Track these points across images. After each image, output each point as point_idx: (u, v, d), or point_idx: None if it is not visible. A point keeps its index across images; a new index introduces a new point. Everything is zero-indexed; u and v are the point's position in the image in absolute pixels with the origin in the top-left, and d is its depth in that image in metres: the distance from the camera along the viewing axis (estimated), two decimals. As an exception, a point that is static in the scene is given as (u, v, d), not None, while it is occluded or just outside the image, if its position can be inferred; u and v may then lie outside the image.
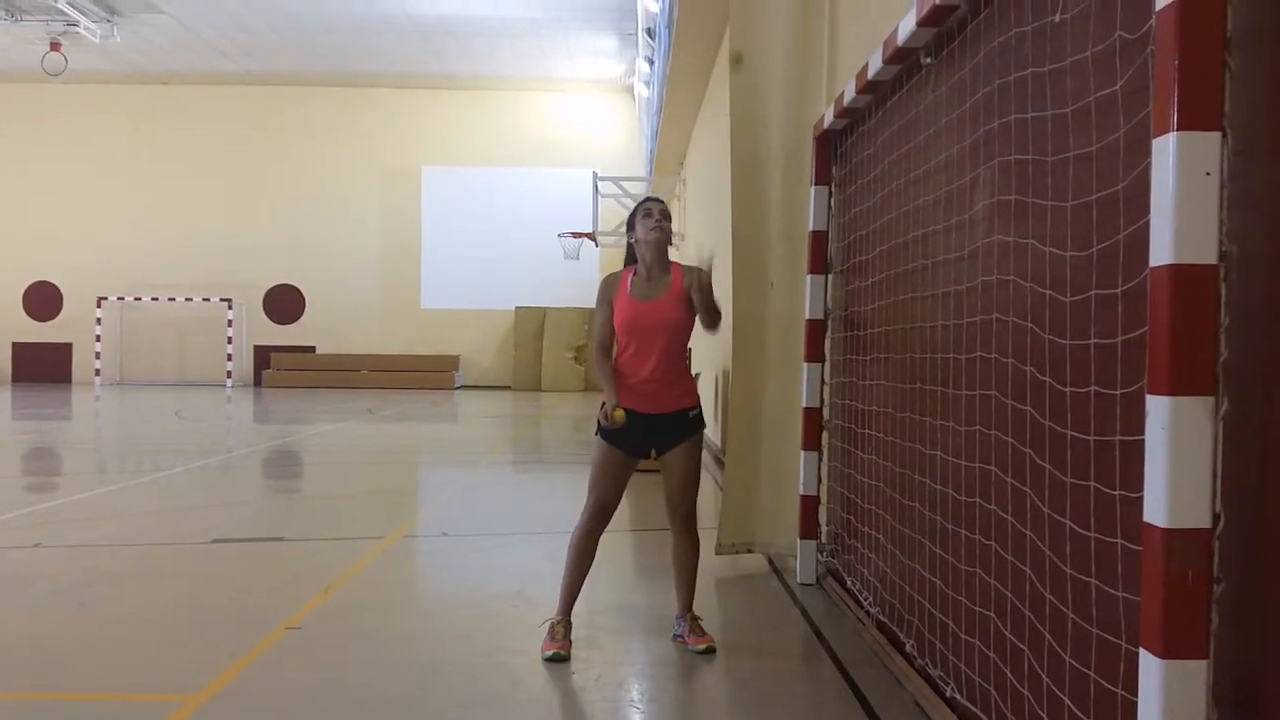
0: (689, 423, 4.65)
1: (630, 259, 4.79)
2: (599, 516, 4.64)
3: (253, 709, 3.90)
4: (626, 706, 4.06)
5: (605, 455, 4.61)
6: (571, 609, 4.66)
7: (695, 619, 4.72)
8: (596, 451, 4.65)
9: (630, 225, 4.77)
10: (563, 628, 4.58)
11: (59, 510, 8.42)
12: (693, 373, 15.03)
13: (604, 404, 4.51)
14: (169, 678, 4.24)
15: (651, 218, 4.67)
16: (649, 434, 4.59)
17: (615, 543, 7.07)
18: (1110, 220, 2.52)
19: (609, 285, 4.72)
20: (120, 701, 4.00)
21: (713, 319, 4.61)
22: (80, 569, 6.18)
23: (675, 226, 22.66)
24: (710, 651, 4.58)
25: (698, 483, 4.73)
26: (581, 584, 4.69)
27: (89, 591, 5.67)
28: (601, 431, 4.60)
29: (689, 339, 4.74)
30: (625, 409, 4.51)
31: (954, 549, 3.68)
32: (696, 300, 4.54)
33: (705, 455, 12.19)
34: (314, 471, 11.79)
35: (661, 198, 5.03)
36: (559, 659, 4.43)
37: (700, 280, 4.56)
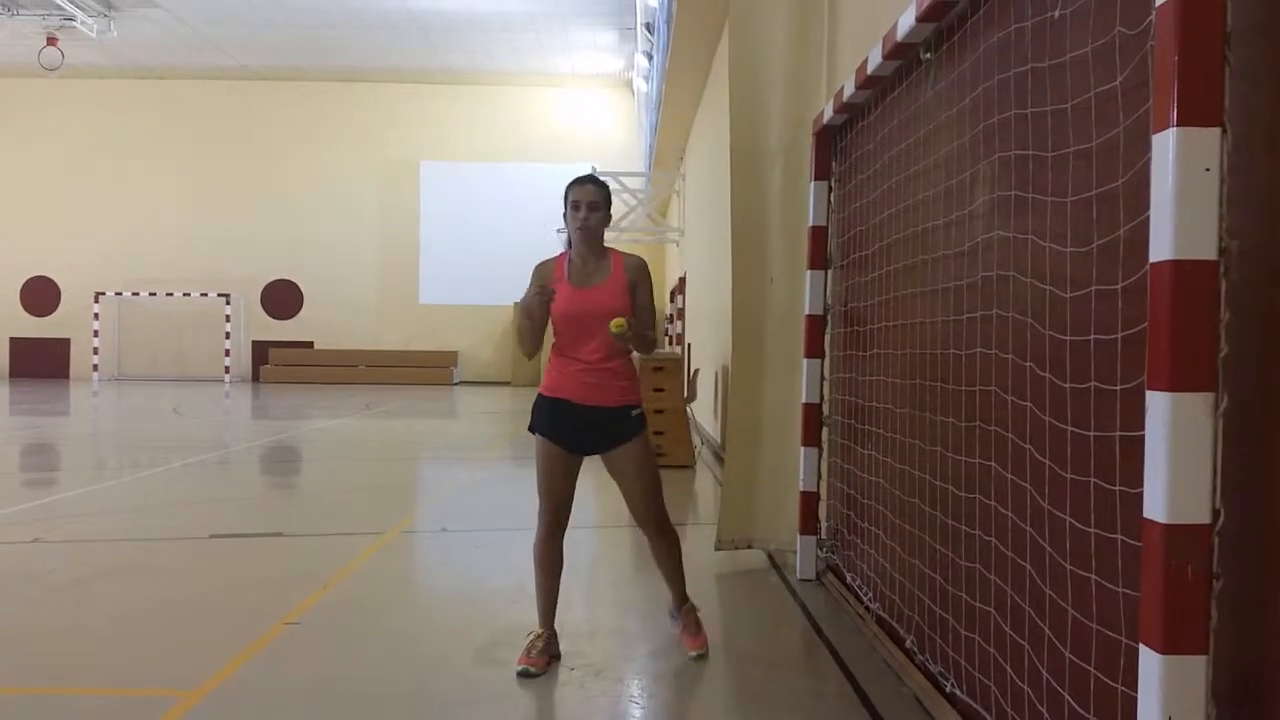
0: (631, 422, 4.38)
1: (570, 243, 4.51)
2: (554, 520, 4.41)
3: (251, 705, 3.90)
4: (625, 702, 4.06)
5: (545, 453, 4.38)
6: (553, 619, 4.48)
7: (692, 612, 4.61)
8: (537, 451, 4.40)
9: (565, 207, 4.45)
10: (541, 641, 4.36)
11: (57, 505, 8.41)
12: (693, 369, 15.01)
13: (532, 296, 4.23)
14: (167, 673, 4.24)
15: (579, 211, 4.35)
16: (586, 429, 4.34)
17: (614, 538, 7.09)
18: (1110, 216, 2.52)
19: (542, 274, 4.42)
20: (118, 696, 4.00)
21: (649, 348, 4.42)
22: (78, 564, 6.18)
23: (674, 222, 22.74)
24: (702, 658, 4.45)
25: (658, 486, 4.48)
26: (556, 591, 4.48)
27: (87, 587, 5.67)
28: (533, 426, 4.41)
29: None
30: (560, 399, 4.33)
31: (954, 545, 3.68)
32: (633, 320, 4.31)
33: (705, 452, 12.23)
34: (312, 467, 11.79)
35: (594, 173, 4.66)
36: (527, 675, 4.20)
37: (641, 294, 4.38)
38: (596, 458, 4.46)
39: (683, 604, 4.64)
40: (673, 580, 4.62)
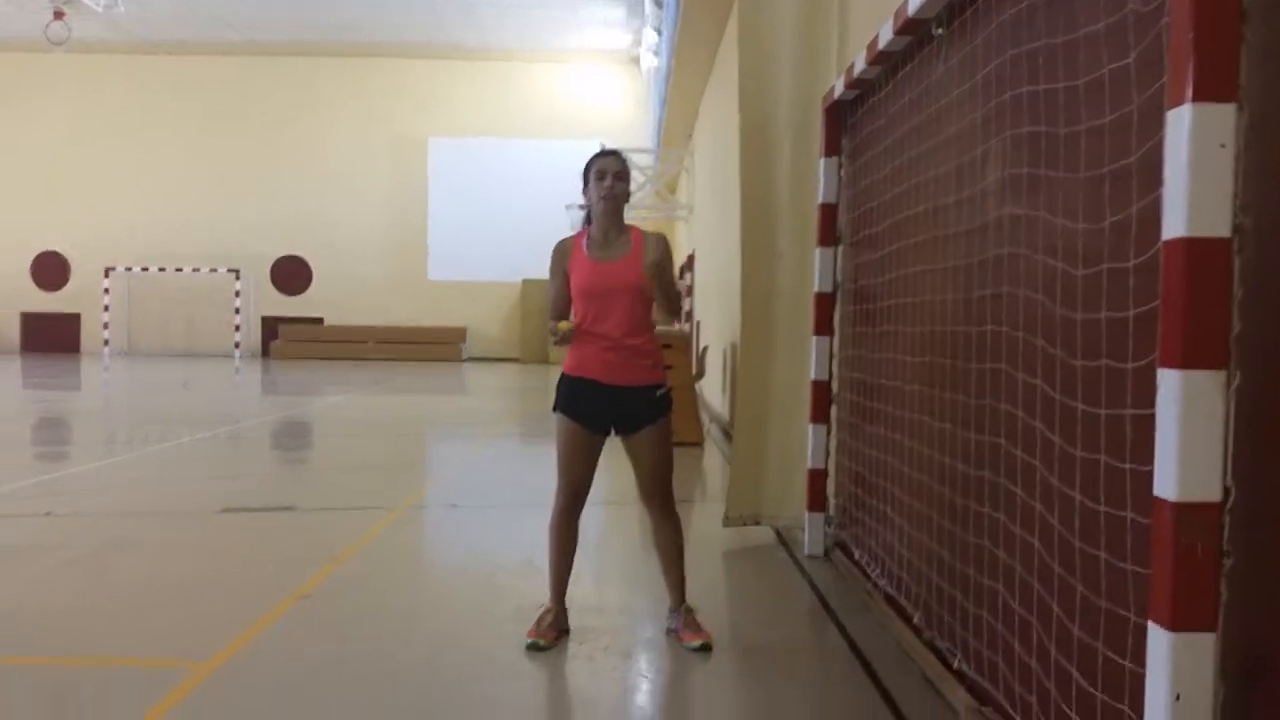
0: (655, 402, 4.30)
1: (590, 220, 4.43)
2: (572, 499, 4.38)
3: (262, 677, 3.93)
4: (634, 677, 4.08)
5: (567, 432, 4.33)
6: (564, 595, 4.46)
7: (690, 611, 4.42)
8: (558, 430, 4.36)
9: (585, 183, 4.37)
10: (551, 615, 4.38)
11: (69, 480, 8.46)
12: (702, 345, 14.98)
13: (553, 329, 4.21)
14: (179, 645, 4.27)
15: (604, 181, 4.28)
16: (610, 408, 4.28)
17: (622, 515, 7.10)
18: (1123, 193, 2.51)
19: (562, 253, 4.37)
20: (131, 668, 4.03)
21: (672, 305, 4.29)
22: (90, 538, 6.22)
23: (683, 199, 22.67)
24: (706, 649, 4.25)
25: (671, 466, 4.41)
26: (569, 569, 4.45)
27: (99, 560, 5.70)
28: (558, 405, 4.34)
29: (651, 306, 4.36)
30: (584, 378, 4.27)
31: (963, 522, 3.69)
32: (655, 285, 4.23)
33: (713, 428, 12.24)
34: (322, 442, 11.83)
35: (618, 149, 4.59)
36: (536, 648, 4.22)
37: (659, 260, 4.24)
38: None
39: (681, 603, 4.45)
40: (672, 576, 4.46)
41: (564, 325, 4.19)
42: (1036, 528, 3.00)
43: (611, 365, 4.26)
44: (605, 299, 4.24)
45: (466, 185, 30.99)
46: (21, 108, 31.11)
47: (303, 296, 31.53)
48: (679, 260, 24.38)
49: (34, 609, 4.80)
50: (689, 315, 20.35)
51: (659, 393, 4.33)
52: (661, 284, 4.22)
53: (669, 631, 4.46)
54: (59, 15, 25.61)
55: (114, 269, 30.61)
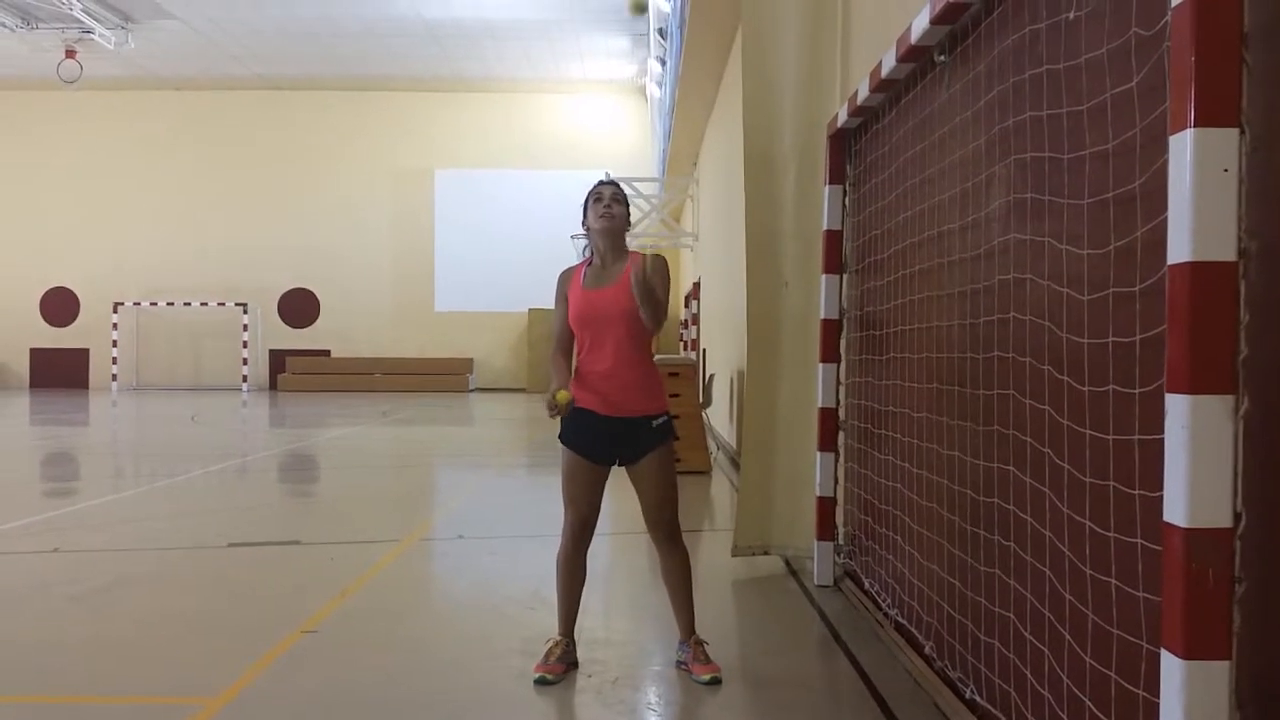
0: (654, 432, 4.28)
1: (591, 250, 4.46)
2: (579, 531, 4.37)
3: (270, 712, 3.91)
4: (643, 709, 4.05)
5: (570, 464, 4.34)
6: (573, 627, 4.44)
7: (699, 644, 4.36)
8: (562, 461, 4.37)
9: (584, 213, 4.42)
10: (559, 648, 4.34)
11: (77, 515, 8.46)
12: (708, 374, 14.96)
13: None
14: (187, 681, 4.26)
15: (602, 202, 4.34)
16: (609, 438, 4.28)
17: (629, 544, 7.07)
18: (1127, 218, 2.50)
19: (564, 280, 4.43)
20: (138, 705, 4.01)
21: (653, 311, 4.14)
22: (98, 573, 6.21)
23: (688, 227, 22.71)
24: (716, 682, 4.20)
25: (675, 494, 4.37)
26: (578, 602, 4.43)
27: (107, 596, 5.69)
28: (562, 436, 4.35)
29: (650, 336, 4.34)
30: (585, 409, 4.26)
31: (973, 550, 3.66)
32: (634, 287, 4.10)
33: (721, 456, 12.21)
34: (329, 475, 11.82)
35: (616, 180, 4.64)
36: (544, 682, 4.18)
37: (644, 266, 4.15)
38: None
39: (690, 635, 4.41)
40: (681, 609, 4.42)
41: (562, 395, 4.17)
42: (1047, 555, 2.97)
43: (607, 396, 4.27)
44: (598, 327, 4.26)
45: (472, 216, 31.08)
46: (32, 145, 31.33)
47: (310, 329, 31.59)
48: (684, 288, 24.43)
49: (42, 646, 4.78)
50: (694, 343, 20.36)
51: (656, 422, 4.31)
52: (643, 290, 4.09)
53: (678, 664, 4.42)
54: (71, 54, 25.86)
55: (122, 304, 30.72)
